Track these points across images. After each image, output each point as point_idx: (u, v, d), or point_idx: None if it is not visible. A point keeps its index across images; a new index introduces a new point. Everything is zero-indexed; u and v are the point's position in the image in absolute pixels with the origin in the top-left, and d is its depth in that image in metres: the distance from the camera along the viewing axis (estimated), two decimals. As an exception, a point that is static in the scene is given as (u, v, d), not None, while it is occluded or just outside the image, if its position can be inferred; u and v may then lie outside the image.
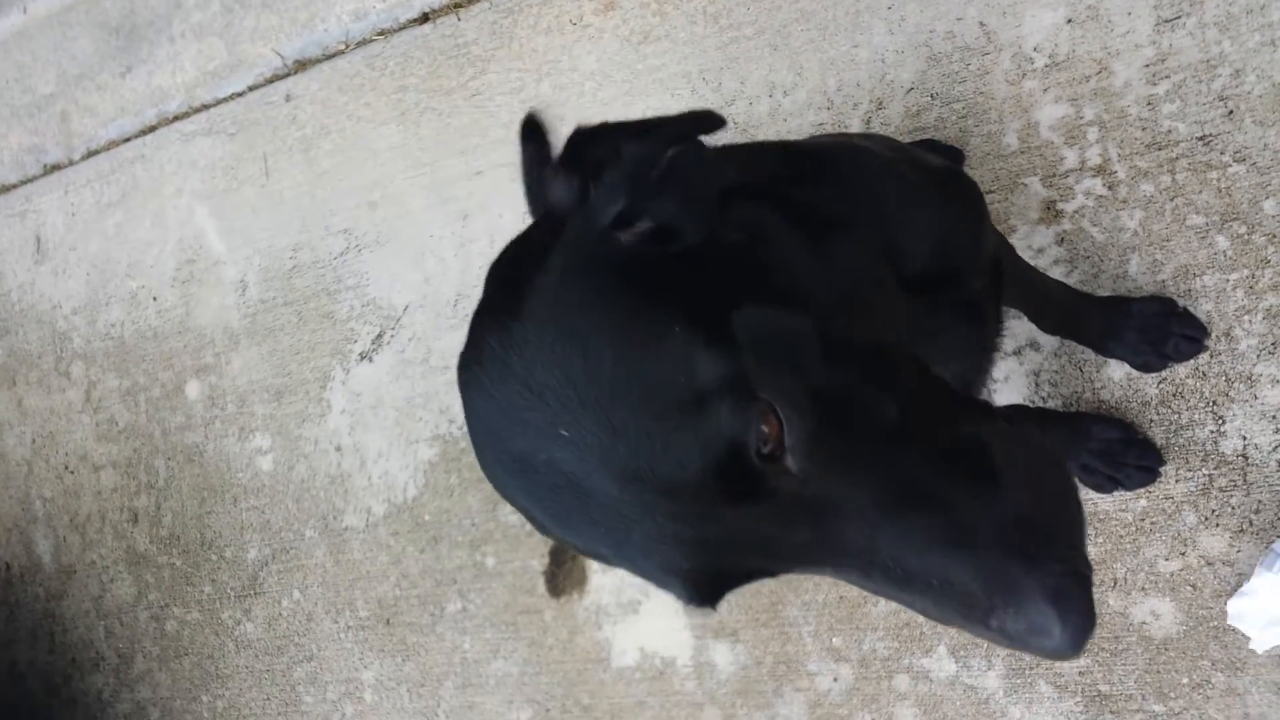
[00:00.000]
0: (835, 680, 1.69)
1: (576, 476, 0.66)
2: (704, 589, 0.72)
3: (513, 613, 2.01)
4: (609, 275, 0.69)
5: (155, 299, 2.49)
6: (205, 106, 2.41)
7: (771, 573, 0.72)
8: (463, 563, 2.07)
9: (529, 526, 1.97)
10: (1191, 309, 1.43)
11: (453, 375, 2.07)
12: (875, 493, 0.65)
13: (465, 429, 2.03)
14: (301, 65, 2.25)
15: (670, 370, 0.65)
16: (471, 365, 0.72)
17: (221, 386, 2.38)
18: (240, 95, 2.36)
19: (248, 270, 2.34)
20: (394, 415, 2.14)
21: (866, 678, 1.67)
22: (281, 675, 2.30)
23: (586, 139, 0.73)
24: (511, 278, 0.73)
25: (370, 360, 2.16)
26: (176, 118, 2.46)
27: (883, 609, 1.66)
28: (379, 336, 2.15)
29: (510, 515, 2.00)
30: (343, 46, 2.19)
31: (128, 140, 2.55)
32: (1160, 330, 1.42)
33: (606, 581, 1.90)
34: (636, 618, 1.88)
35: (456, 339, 2.05)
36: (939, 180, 1.05)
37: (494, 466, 0.73)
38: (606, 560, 0.72)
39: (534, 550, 1.98)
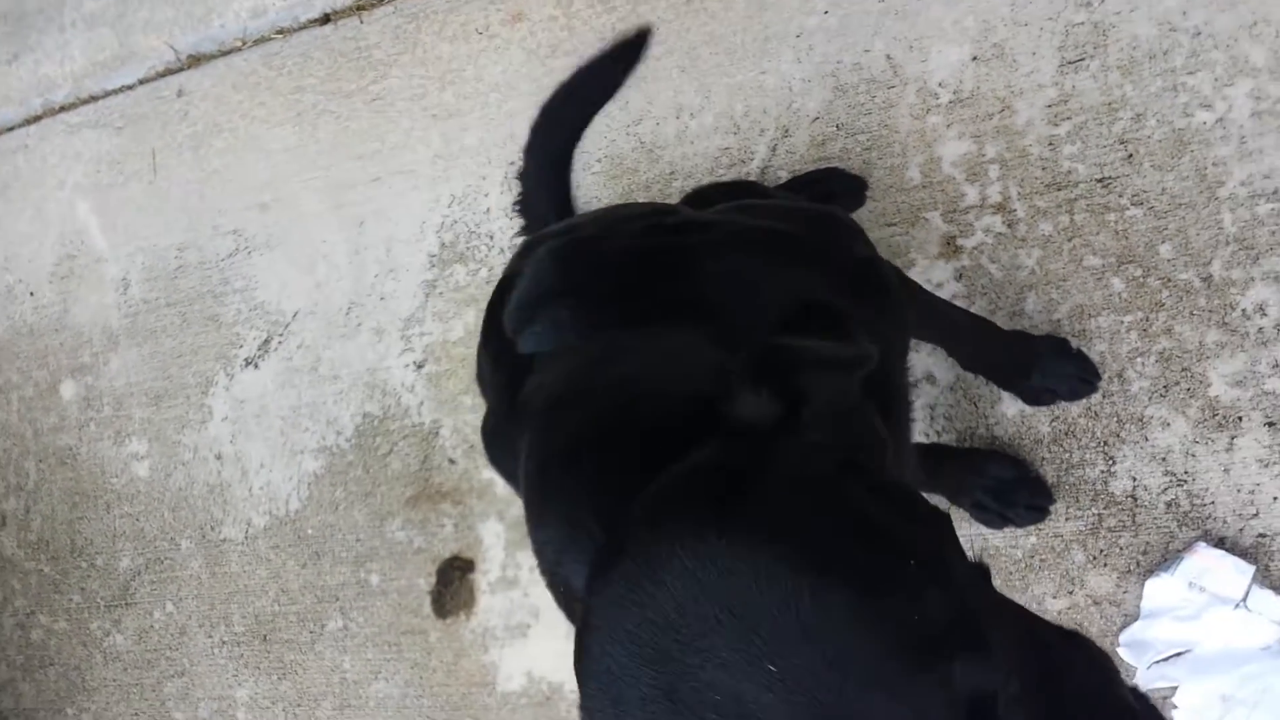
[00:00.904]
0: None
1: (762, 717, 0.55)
2: None
3: (396, 633, 1.89)
4: (832, 503, 0.63)
5: (32, 294, 2.30)
6: (93, 98, 2.23)
7: None
8: (346, 579, 1.93)
9: (416, 543, 1.85)
10: (1085, 349, 1.39)
11: (343, 385, 1.93)
12: None
13: (354, 441, 1.91)
14: (196, 60, 2.10)
15: (903, 608, 0.57)
16: (639, 578, 0.61)
17: (98, 388, 2.20)
18: (130, 88, 2.19)
19: (130, 269, 2.17)
20: (279, 425, 2.00)
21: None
22: (151, 690, 2.13)
23: (788, 362, 0.70)
24: (706, 492, 0.65)
25: (256, 366, 2.02)
26: (63, 108, 2.28)
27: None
28: (266, 342, 2.01)
29: (398, 532, 1.87)
30: (239, 43, 2.04)
31: (10, 130, 2.35)
32: (1061, 370, 1.37)
33: (495, 603, 1.79)
34: (525, 641, 1.77)
35: (347, 348, 1.93)
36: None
37: (623, 692, 0.60)
38: None
39: (420, 569, 1.86)
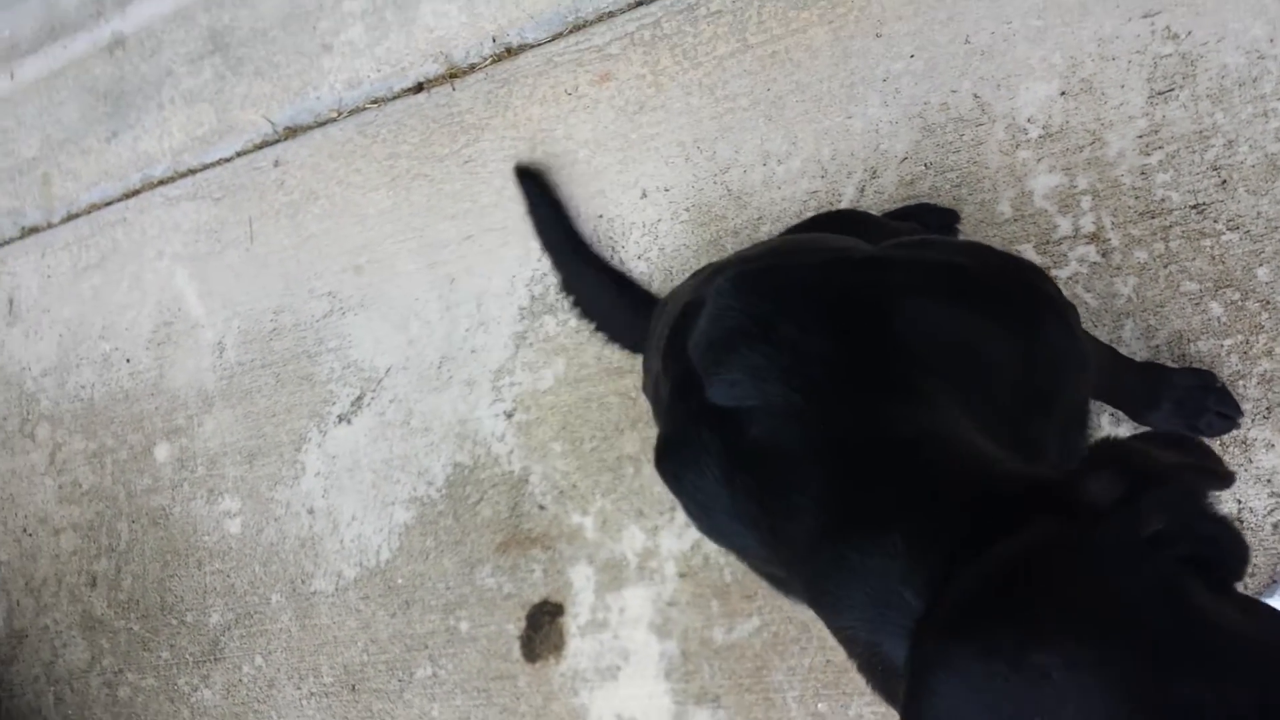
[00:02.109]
0: (826, 749, 1.52)
1: None
2: None
3: (485, 679, 1.81)
4: (1172, 589, 0.60)
5: (129, 360, 2.28)
6: (191, 171, 2.25)
7: None
8: (435, 627, 1.87)
9: (506, 589, 1.79)
10: (1229, 386, 1.32)
11: (434, 438, 1.89)
12: None
13: (444, 491, 1.86)
14: (292, 132, 2.11)
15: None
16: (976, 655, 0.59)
17: (192, 449, 2.17)
18: (228, 160, 2.21)
19: (226, 333, 2.15)
20: (370, 478, 1.96)
21: (858, 746, 1.50)
22: (239, 746, 2.05)
23: (1143, 468, 0.66)
24: (1044, 573, 0.62)
25: (349, 422, 1.98)
26: (161, 182, 2.30)
27: (876, 674, 1.50)
28: (359, 399, 1.98)
29: (487, 579, 1.81)
30: (335, 114, 2.05)
31: (110, 204, 2.37)
32: (1197, 404, 1.29)
33: (585, 646, 1.72)
34: (615, 684, 1.69)
35: (439, 400, 1.89)
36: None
37: None
38: None
39: (510, 614, 1.80)
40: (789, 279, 0.99)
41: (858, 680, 1.50)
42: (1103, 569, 0.59)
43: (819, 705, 1.54)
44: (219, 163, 2.21)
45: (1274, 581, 1.32)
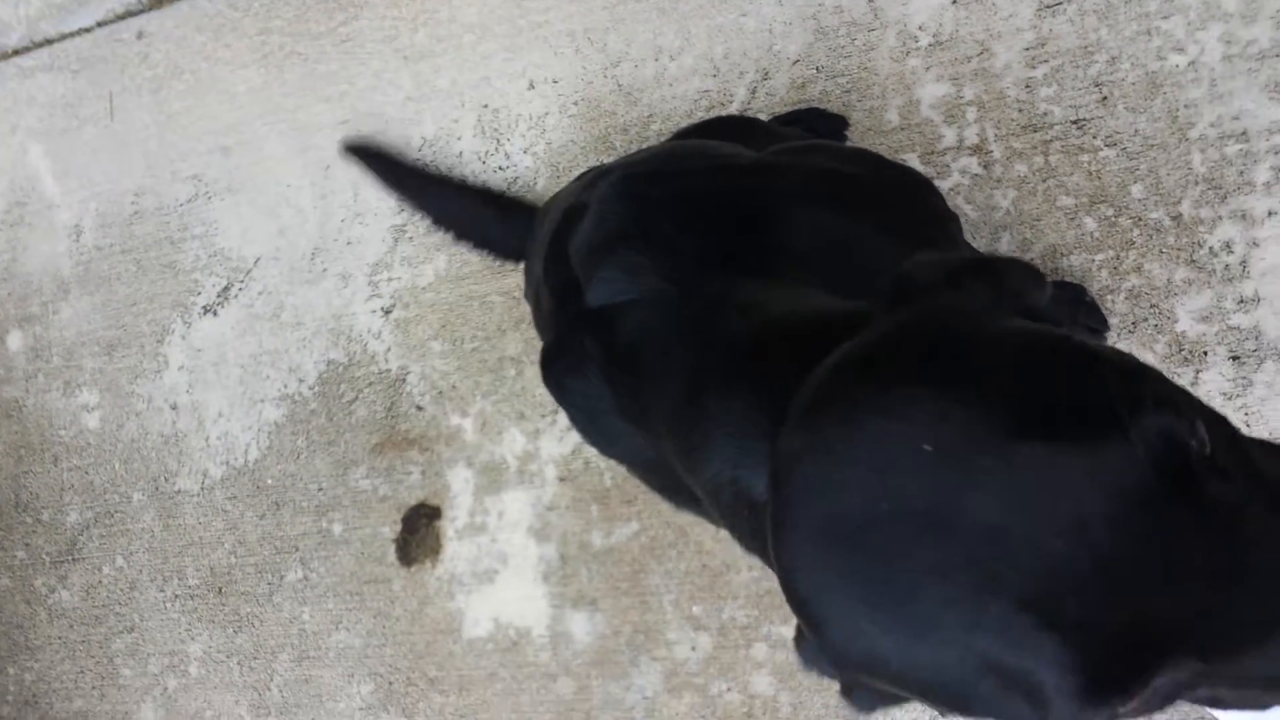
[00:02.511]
0: (693, 649, 1.55)
1: (947, 500, 0.52)
2: (1105, 663, 0.51)
3: (359, 582, 1.79)
4: (1021, 339, 0.59)
5: (-24, 244, 2.14)
6: (49, 41, 2.09)
7: (1202, 650, 0.52)
8: (306, 530, 1.83)
9: (381, 491, 1.76)
10: (1098, 300, 1.35)
11: (306, 332, 1.83)
12: None
13: (317, 389, 1.81)
14: (158, 2, 1.98)
15: (1071, 375, 0.54)
16: (831, 430, 0.59)
17: (47, 338, 2.06)
18: (88, 31, 2.06)
19: (84, 215, 2.03)
20: (238, 373, 1.89)
21: (725, 646, 1.53)
22: (98, 647, 1.99)
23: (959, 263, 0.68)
24: (883, 348, 0.62)
25: (215, 314, 1.90)
26: (16, 52, 2.13)
27: (745, 577, 1.53)
28: (226, 289, 1.89)
29: (362, 481, 1.78)
30: (203, -15, 1.93)
31: (-45, 74, 2.19)
32: (1067, 317, 1.32)
33: (463, 550, 1.71)
34: (492, 587, 1.69)
35: (311, 294, 1.83)
36: None
37: (823, 518, 0.57)
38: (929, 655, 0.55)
39: (385, 517, 1.77)
40: (673, 184, 0.98)
41: (732, 584, 1.53)
42: (946, 332, 0.60)
43: (694, 608, 1.57)
44: (79, 33, 2.06)
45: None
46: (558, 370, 1.02)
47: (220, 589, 1.90)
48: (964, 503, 0.51)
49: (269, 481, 1.86)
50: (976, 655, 0.52)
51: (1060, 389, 0.53)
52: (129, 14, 2.00)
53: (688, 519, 1.58)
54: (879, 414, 0.56)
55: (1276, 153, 1.31)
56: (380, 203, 1.77)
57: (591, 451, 1.64)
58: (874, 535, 0.54)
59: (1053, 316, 0.74)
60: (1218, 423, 0.56)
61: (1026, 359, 0.56)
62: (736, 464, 0.77)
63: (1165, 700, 0.55)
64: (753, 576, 1.53)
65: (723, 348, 0.83)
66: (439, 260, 1.73)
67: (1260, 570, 0.51)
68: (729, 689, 1.53)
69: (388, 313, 1.77)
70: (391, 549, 1.77)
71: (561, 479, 1.66)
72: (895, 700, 0.66)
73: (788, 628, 1.50)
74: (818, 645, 0.61)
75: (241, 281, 1.88)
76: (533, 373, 1.69)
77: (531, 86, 1.68)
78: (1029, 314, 0.67)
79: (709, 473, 0.80)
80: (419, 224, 1.75)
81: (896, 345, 0.61)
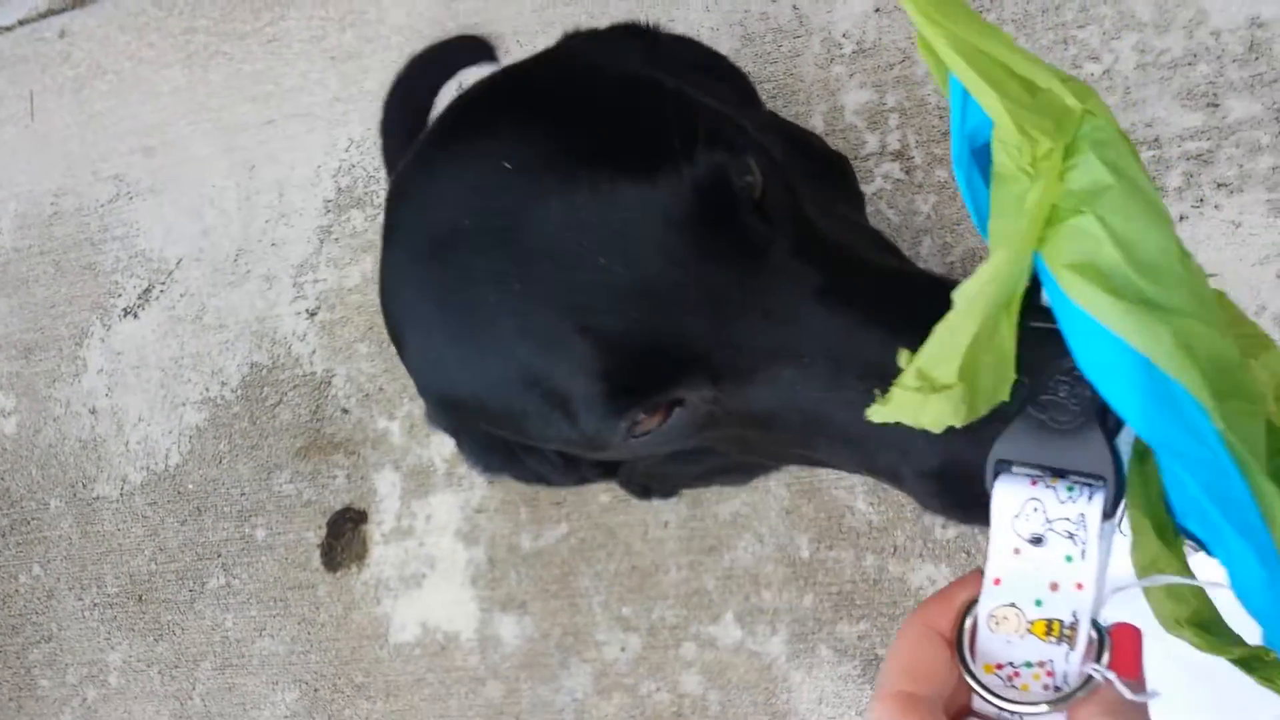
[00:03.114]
0: (623, 650, 1.55)
1: (516, 216, 0.53)
2: (626, 371, 0.54)
3: (283, 588, 1.77)
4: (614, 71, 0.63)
5: (-115, 244, 2.08)
6: (-37, 38, 2.04)
7: (712, 374, 0.55)
8: (229, 535, 1.80)
9: (306, 496, 1.74)
10: None
11: (229, 335, 1.80)
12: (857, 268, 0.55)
13: (240, 392, 1.78)
14: (80, 1, 1.94)
15: (641, 113, 0.56)
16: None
17: (-41, 342, 2.01)
18: (8, 29, 2.01)
19: (1, 216, 1.98)
20: (159, 376, 1.86)
21: (654, 646, 1.54)
22: (15, 657, 1.94)
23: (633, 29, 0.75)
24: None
25: (135, 316, 1.87)
26: (-73, 48, 2.08)
27: (674, 577, 1.54)
28: (147, 291, 1.86)
29: (286, 485, 1.76)
30: (126, -19, 1.89)
31: None
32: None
33: (389, 554, 1.70)
34: (420, 591, 1.68)
35: (235, 296, 1.80)
36: None
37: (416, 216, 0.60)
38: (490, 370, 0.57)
39: (310, 522, 1.75)
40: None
41: (661, 585, 1.54)
42: (561, 67, 0.64)
43: (623, 609, 1.57)
44: (-2, 30, 2.02)
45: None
46: None
47: (140, 596, 1.86)
48: (528, 219, 0.53)
49: (190, 486, 1.83)
50: (523, 367, 0.54)
51: (641, 123, 0.55)
52: (51, 12, 1.96)
53: (617, 520, 1.59)
54: (475, 132, 0.58)
55: (1188, 159, 1.36)
56: (306, 203, 1.76)
57: (520, 454, 1.64)
58: (453, 252, 0.55)
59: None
60: (775, 171, 0.59)
61: (621, 94, 0.58)
62: None
63: (688, 429, 0.58)
64: (681, 577, 1.54)
65: None
66: (365, 262, 1.72)
67: (765, 308, 0.53)
68: (658, 689, 1.53)
69: (313, 315, 1.75)
70: (316, 554, 1.75)
71: (490, 482, 1.65)
72: (507, 459, 0.70)
73: (717, 627, 1.52)
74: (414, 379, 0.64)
75: (163, 283, 1.85)
76: (461, 375, 1.68)
77: (461, 88, 1.68)
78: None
79: None
80: (345, 225, 1.73)
81: (516, 73, 0.63)
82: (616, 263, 0.52)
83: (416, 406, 1.70)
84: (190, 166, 1.84)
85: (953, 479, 0.51)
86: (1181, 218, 1.35)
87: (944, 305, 0.46)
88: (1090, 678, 0.45)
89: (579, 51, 0.70)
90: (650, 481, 1.09)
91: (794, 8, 1.50)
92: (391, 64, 1.72)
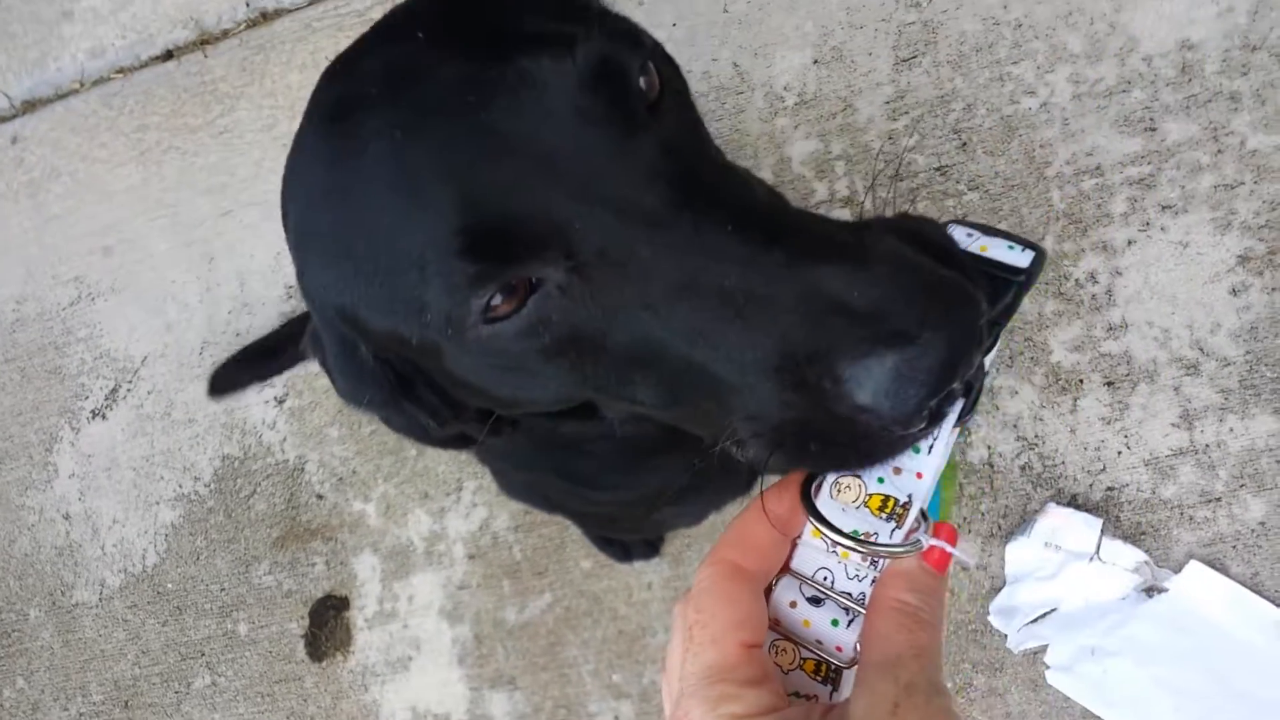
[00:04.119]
0: (616, 718, 1.53)
1: (418, 77, 0.54)
2: (484, 232, 0.53)
3: (269, 682, 1.74)
4: None
5: None
6: (-85, 150, 2.05)
7: (568, 252, 0.54)
8: (211, 633, 1.78)
9: (286, 586, 1.72)
10: None
11: (199, 429, 1.79)
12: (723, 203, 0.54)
13: (213, 486, 1.77)
14: (30, 105, 1.96)
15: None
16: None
17: (-72, 456, 1.99)
18: (-43, 139, 2.02)
19: (-38, 326, 1.98)
20: (131, 476, 1.84)
21: (647, 712, 1.52)
22: (-2, 777, 1.90)
23: None
24: None
25: (104, 417, 1.86)
26: (-121, 163, 2.09)
27: (661, 639, 1.52)
28: (114, 391, 1.86)
29: (265, 577, 1.74)
30: (77, 85, 1.91)
31: None
32: None
33: (374, 639, 1.68)
34: (407, 675, 1.66)
35: (202, 390, 1.80)
36: None
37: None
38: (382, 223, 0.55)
39: (292, 612, 1.73)
40: None
41: (649, 648, 1.52)
42: None
43: (613, 676, 1.56)
44: (-54, 140, 2.03)
45: (1024, 522, 1.41)
46: None
47: (126, 703, 1.83)
48: (429, 79, 0.54)
49: (169, 586, 1.81)
50: (389, 220, 0.54)
51: (550, 6, 0.56)
52: (1, 119, 1.97)
53: (600, 586, 1.57)
54: (393, 12, 0.59)
55: (1131, 184, 1.38)
56: (267, 290, 1.76)
57: (500, 525, 1.63)
58: (350, 114, 0.55)
59: None
60: (679, 87, 0.61)
61: None
62: None
63: (546, 330, 0.56)
64: (669, 638, 1.53)
65: None
66: (332, 345, 1.72)
67: (635, 202, 0.52)
68: (653, 757, 1.51)
69: (281, 402, 1.75)
70: (300, 645, 1.73)
71: (471, 556, 1.64)
72: (385, 397, 0.67)
73: (707, 689, 1.50)
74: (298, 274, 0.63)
75: (129, 382, 1.84)
76: (434, 452, 1.68)
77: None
78: None
79: None
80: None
81: None
82: (501, 121, 0.52)
83: (391, 487, 1.69)
84: (150, 263, 1.84)
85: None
86: (1129, 242, 1.37)
87: (820, 244, 0.49)
88: (909, 544, 0.49)
89: None
90: (565, 498, 1.10)
91: (734, 64, 1.53)
92: (343, 148, 1.73)
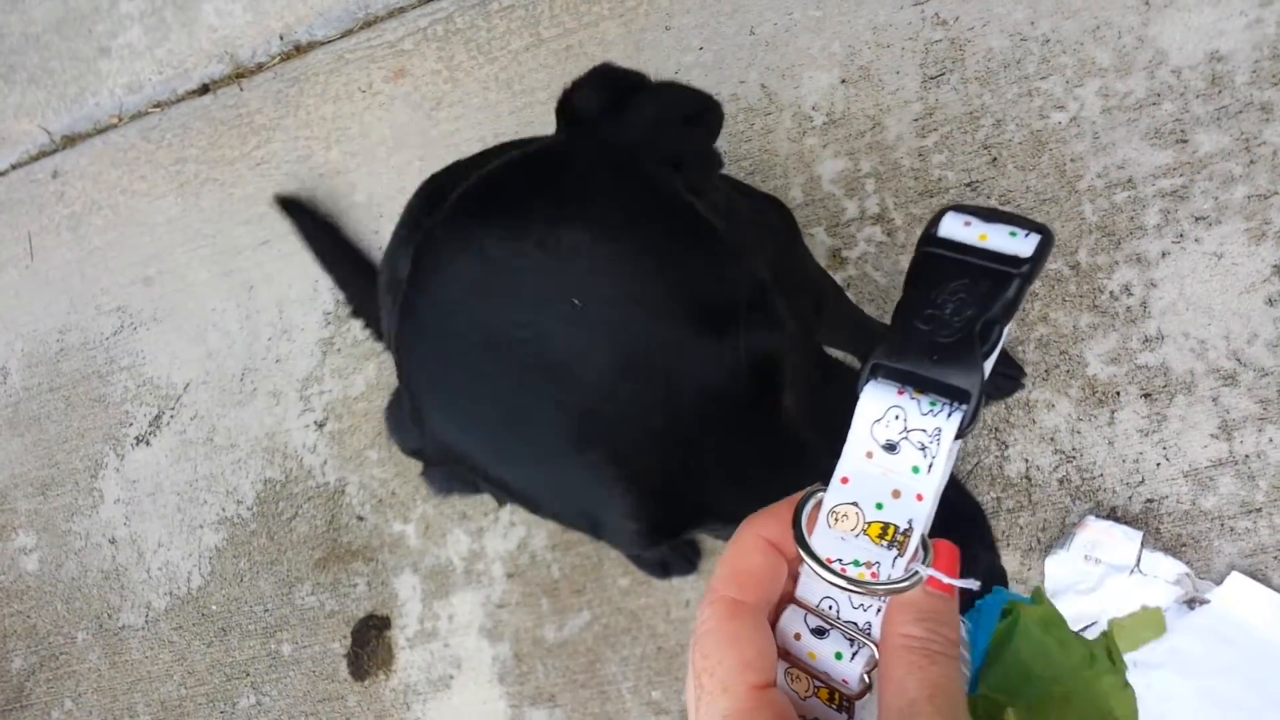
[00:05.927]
0: (657, 736, 1.52)
1: (560, 355, 0.57)
2: (666, 514, 0.61)
3: (312, 701, 1.74)
4: (641, 175, 0.65)
5: (-101, 394, 2.09)
6: (-40, 186, 2.07)
7: (729, 516, 0.60)
8: (255, 653, 1.78)
9: (328, 606, 1.72)
10: (1010, 351, 1.38)
11: (240, 454, 1.79)
12: None
13: (255, 509, 1.77)
14: (70, 140, 1.97)
15: (704, 270, 0.60)
16: (455, 235, 0.63)
17: (-22, 484, 2.01)
18: (2, 175, 2.05)
19: (9, 357, 2.00)
20: (175, 501, 1.85)
21: (688, 730, 1.51)
22: (49, 798, 1.91)
23: (614, 76, 0.74)
24: (525, 165, 0.67)
25: (148, 444, 1.87)
26: (-73, 200, 2.11)
27: (700, 658, 1.51)
28: (157, 418, 1.86)
29: (308, 598, 1.74)
30: (116, 120, 1.93)
31: None
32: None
33: (415, 658, 1.67)
34: (449, 693, 1.65)
35: (243, 414, 1.80)
36: None
37: (439, 337, 0.63)
38: (520, 488, 0.63)
39: (334, 632, 1.73)
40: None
41: (688, 665, 1.51)
42: (588, 165, 0.65)
43: (653, 693, 1.54)
44: (-8, 177, 2.05)
45: (1063, 535, 1.39)
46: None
47: (172, 724, 1.84)
48: (563, 348, 0.58)
49: (214, 608, 1.81)
50: (560, 480, 0.60)
51: (699, 273, 0.61)
52: (42, 154, 1.99)
53: (638, 603, 1.56)
54: (492, 234, 0.61)
55: (1163, 196, 1.36)
56: (306, 318, 1.77)
57: (538, 544, 1.62)
58: (493, 351, 0.59)
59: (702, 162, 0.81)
60: (795, 348, 0.65)
61: (683, 233, 0.63)
62: (395, 250, 0.84)
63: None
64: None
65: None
66: (369, 369, 1.72)
67: (773, 479, 0.58)
68: (695, 774, 1.50)
69: (321, 426, 1.75)
70: (343, 664, 1.73)
71: (509, 575, 1.64)
72: (469, 487, 0.73)
73: (747, 705, 1.48)
74: (408, 413, 0.67)
75: (172, 409, 1.85)
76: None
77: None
78: (693, 152, 0.74)
79: (383, 266, 0.86)
80: (346, 336, 1.74)
81: (536, 181, 0.65)
82: (661, 420, 0.57)
83: (430, 507, 1.69)
84: (190, 292, 1.85)
85: None
86: (1163, 254, 1.35)
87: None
88: (912, 575, 0.46)
89: (611, 146, 0.71)
90: None
91: (762, 86, 1.52)
92: (378, 175, 1.74)
